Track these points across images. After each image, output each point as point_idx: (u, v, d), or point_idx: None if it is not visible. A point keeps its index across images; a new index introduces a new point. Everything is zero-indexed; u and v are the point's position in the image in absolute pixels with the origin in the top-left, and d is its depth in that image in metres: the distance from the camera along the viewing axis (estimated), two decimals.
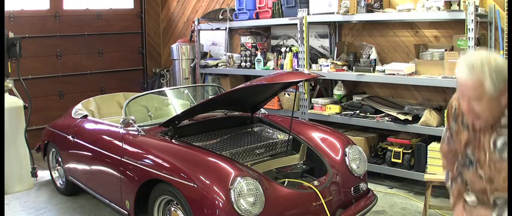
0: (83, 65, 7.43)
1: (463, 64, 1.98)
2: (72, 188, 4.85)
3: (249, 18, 6.22)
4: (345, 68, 5.37)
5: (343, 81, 5.59)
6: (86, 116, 4.83)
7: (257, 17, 6.20)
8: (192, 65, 7.10)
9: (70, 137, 4.61)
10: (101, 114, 5.24)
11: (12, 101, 4.88)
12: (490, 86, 1.90)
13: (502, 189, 2.11)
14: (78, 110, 5.05)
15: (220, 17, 6.55)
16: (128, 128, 3.97)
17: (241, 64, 6.37)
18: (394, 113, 4.88)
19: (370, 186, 4.02)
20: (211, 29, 6.87)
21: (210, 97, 5.38)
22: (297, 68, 5.62)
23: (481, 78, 1.91)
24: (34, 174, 5.07)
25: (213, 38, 7.28)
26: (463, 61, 1.98)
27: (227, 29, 6.58)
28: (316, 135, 3.97)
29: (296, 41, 6.02)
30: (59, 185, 5.10)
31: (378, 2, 5.02)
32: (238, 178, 3.05)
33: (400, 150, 4.88)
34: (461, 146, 2.26)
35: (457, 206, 2.37)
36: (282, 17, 5.83)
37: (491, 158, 2.10)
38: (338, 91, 5.64)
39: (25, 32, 6.56)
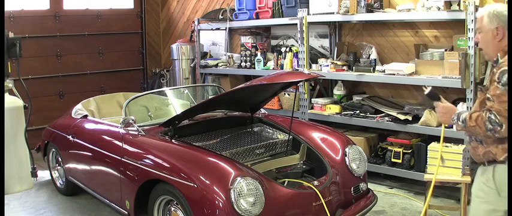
0: (83, 65, 7.43)
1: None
2: (72, 188, 4.85)
3: (249, 18, 6.22)
4: (345, 68, 5.37)
5: (343, 81, 5.59)
6: (86, 116, 4.83)
7: (257, 17, 6.19)
8: (192, 65, 7.10)
9: (70, 137, 4.61)
10: (101, 114, 5.24)
11: (12, 101, 4.88)
12: (486, 20, 2.59)
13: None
14: (78, 110, 5.05)
15: (220, 17, 6.54)
16: (128, 128, 3.97)
17: (241, 64, 6.36)
18: (394, 113, 4.88)
19: (370, 186, 4.02)
20: (211, 29, 6.86)
21: (210, 97, 5.37)
22: (297, 68, 5.62)
23: (482, 14, 2.62)
24: (34, 174, 5.07)
25: (213, 38, 7.28)
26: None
27: (227, 29, 6.58)
28: (316, 135, 3.97)
29: (296, 41, 6.02)
30: (59, 185, 5.10)
31: (378, 2, 5.02)
32: (238, 178, 3.05)
33: (400, 150, 4.87)
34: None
35: None
36: (282, 17, 5.82)
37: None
38: (338, 91, 5.64)
39: (25, 32, 6.56)
